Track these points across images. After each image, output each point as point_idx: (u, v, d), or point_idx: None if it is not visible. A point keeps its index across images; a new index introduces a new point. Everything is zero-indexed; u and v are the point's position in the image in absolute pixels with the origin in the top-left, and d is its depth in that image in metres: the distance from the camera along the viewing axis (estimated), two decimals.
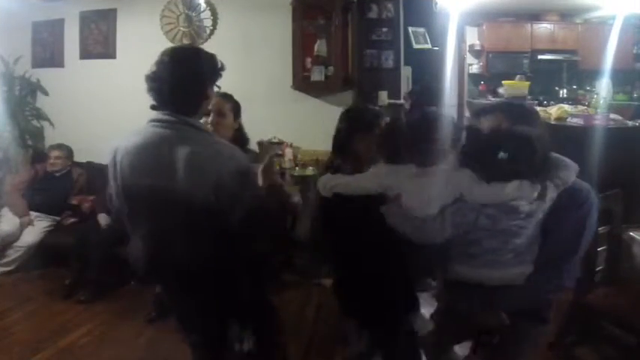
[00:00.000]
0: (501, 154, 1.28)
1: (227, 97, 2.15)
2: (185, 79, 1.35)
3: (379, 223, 1.45)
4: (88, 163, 3.81)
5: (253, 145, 2.26)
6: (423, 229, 1.44)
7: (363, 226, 1.50)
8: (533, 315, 1.53)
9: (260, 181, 1.52)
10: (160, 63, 1.36)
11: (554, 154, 1.41)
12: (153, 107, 1.38)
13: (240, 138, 2.17)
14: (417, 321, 1.74)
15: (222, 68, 1.45)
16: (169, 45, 4.08)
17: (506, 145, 1.29)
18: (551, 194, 1.35)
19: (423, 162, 1.46)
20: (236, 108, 2.16)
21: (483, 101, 5.69)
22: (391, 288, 1.58)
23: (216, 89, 1.47)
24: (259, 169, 1.55)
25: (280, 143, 3.93)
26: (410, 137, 1.48)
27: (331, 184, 1.57)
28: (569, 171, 1.38)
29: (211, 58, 1.43)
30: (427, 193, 1.44)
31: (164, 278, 1.55)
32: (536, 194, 1.32)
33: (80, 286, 3.08)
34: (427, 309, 1.79)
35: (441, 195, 1.43)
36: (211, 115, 2.09)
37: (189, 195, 1.30)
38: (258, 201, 1.39)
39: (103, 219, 3.33)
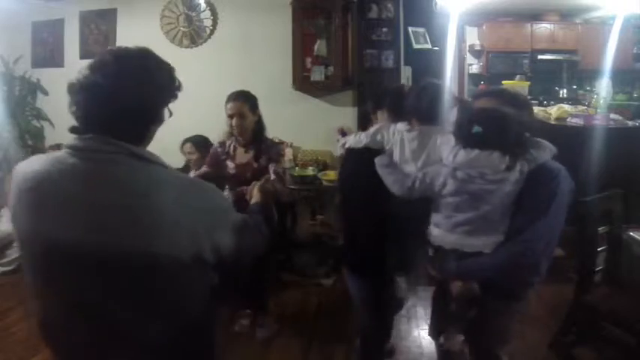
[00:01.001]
0: (476, 128, 1.48)
1: (244, 98, 2.29)
2: (140, 91, 0.94)
3: (373, 173, 1.67)
4: None
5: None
6: (402, 183, 1.63)
7: (362, 173, 1.74)
8: (508, 292, 1.60)
9: (255, 198, 1.44)
10: (98, 68, 0.94)
11: (538, 139, 1.54)
12: (74, 130, 0.95)
13: (259, 129, 2.38)
14: (399, 286, 1.91)
15: (180, 87, 1.04)
16: (169, 45, 4.13)
17: (482, 120, 1.48)
18: (522, 168, 1.47)
19: (418, 119, 1.69)
20: (253, 105, 2.32)
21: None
22: (381, 240, 1.73)
23: (167, 115, 1.04)
24: (258, 186, 1.49)
25: (280, 143, 3.94)
26: (410, 98, 1.74)
27: (342, 141, 1.90)
28: (544, 151, 1.52)
29: (169, 69, 1.03)
30: (412, 149, 1.67)
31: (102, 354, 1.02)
32: (504, 166, 1.46)
33: None
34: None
35: (424, 153, 1.66)
36: (234, 118, 2.27)
37: (147, 253, 0.90)
38: (241, 231, 1.08)
39: None
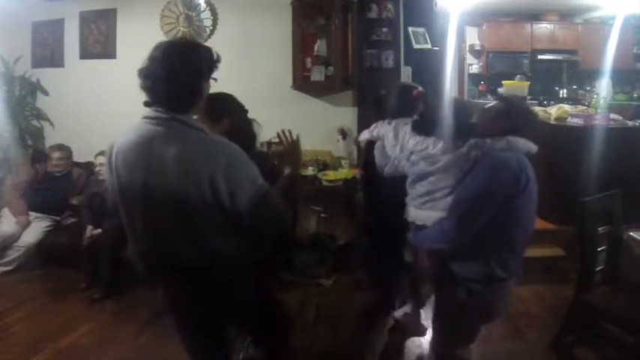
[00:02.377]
0: (416, 117, 2.03)
1: (207, 106, 2.02)
2: (178, 76, 1.29)
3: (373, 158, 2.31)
4: (88, 163, 3.81)
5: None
6: (380, 164, 2.27)
7: (369, 160, 2.37)
8: (481, 274, 1.66)
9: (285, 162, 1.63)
10: (152, 58, 1.29)
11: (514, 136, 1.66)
12: (146, 104, 1.33)
13: (237, 137, 1.71)
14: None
15: (218, 60, 1.38)
16: None
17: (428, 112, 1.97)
18: (468, 152, 1.68)
19: (391, 115, 2.30)
20: (212, 113, 1.77)
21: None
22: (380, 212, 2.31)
23: (212, 82, 1.39)
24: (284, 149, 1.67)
25: (280, 143, 3.94)
26: (387, 99, 2.36)
27: (360, 137, 2.55)
28: (507, 144, 1.62)
29: (206, 52, 1.36)
30: (390, 137, 2.23)
31: (164, 278, 1.49)
32: (437, 150, 1.80)
33: (93, 285, 3.12)
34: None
35: (398, 140, 2.17)
36: None
37: (182, 193, 1.27)
38: (261, 192, 1.32)
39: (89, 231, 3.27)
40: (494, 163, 1.59)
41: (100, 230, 3.24)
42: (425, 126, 1.89)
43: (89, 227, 3.28)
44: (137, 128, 1.33)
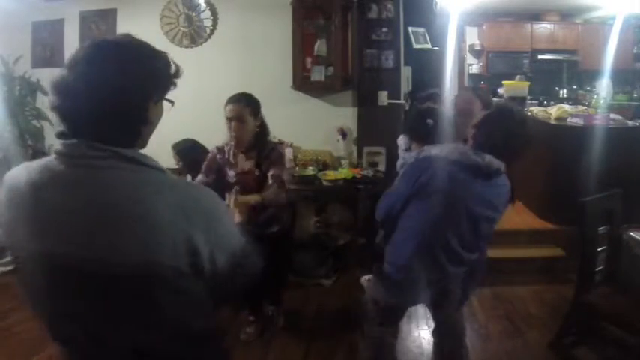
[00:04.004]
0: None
1: (245, 101, 2.12)
2: (118, 93, 0.83)
3: None
4: None
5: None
6: None
7: None
8: None
9: (236, 219, 1.51)
10: (71, 66, 0.84)
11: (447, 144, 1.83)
12: (61, 135, 0.86)
13: (261, 134, 2.22)
14: None
15: (177, 74, 0.92)
16: (169, 45, 4.14)
17: None
18: (416, 155, 1.82)
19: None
20: (255, 109, 2.16)
21: None
22: None
23: (168, 105, 0.94)
24: (234, 200, 1.58)
25: (280, 143, 3.94)
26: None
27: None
28: (436, 149, 1.76)
29: (161, 59, 0.90)
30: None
31: None
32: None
33: None
34: None
35: None
36: (233, 122, 2.11)
37: (139, 264, 0.83)
38: (241, 248, 1.00)
39: None
40: (424, 166, 1.77)
41: None
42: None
43: None
44: (46, 168, 0.86)
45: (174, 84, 0.93)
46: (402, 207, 1.74)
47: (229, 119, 2.12)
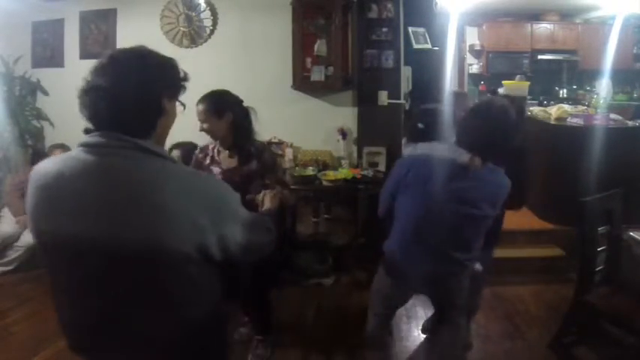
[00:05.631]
0: None
1: (208, 102, 2.08)
2: (137, 88, 0.97)
3: None
4: None
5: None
6: None
7: None
8: None
9: (267, 204, 1.58)
10: (98, 71, 0.99)
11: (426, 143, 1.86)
12: (87, 131, 1.01)
13: (238, 132, 2.15)
14: None
15: (186, 78, 1.09)
16: (169, 45, 4.13)
17: None
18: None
19: None
20: (218, 108, 2.08)
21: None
22: None
23: (180, 109, 1.10)
24: (270, 194, 1.61)
25: (280, 143, 3.94)
26: None
27: None
28: (416, 149, 1.81)
29: (172, 65, 1.06)
30: None
31: (110, 349, 1.05)
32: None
33: None
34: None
35: None
36: (201, 122, 2.10)
37: (152, 246, 0.92)
38: (252, 233, 1.10)
39: None
40: (405, 165, 1.84)
41: None
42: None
43: None
44: (72, 158, 0.97)
45: (184, 87, 1.09)
46: (392, 201, 1.82)
47: (199, 120, 2.11)
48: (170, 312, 1.01)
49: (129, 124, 0.97)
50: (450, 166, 1.66)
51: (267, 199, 1.60)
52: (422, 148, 1.78)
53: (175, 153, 3.03)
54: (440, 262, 1.75)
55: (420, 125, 2.03)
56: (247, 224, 1.08)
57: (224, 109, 2.10)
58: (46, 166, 1.00)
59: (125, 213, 0.92)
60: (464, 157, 1.65)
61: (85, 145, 0.98)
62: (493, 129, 1.64)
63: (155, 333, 1.01)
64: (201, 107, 2.08)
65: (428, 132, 1.98)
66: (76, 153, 0.98)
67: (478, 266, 1.94)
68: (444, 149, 1.72)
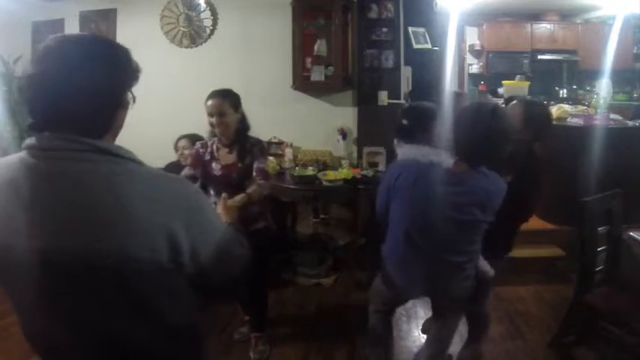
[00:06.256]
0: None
1: (225, 95, 2.18)
2: (93, 79, 0.83)
3: None
4: None
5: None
6: None
7: None
8: None
9: (223, 218, 1.42)
10: (42, 57, 0.83)
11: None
12: (32, 127, 0.86)
13: (242, 128, 2.26)
14: None
15: (138, 69, 0.95)
16: (169, 45, 4.13)
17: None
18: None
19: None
20: (234, 103, 2.20)
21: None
22: None
23: (130, 100, 0.95)
24: (223, 205, 1.51)
25: (280, 143, 3.94)
26: None
27: None
28: (405, 155, 1.82)
29: (126, 53, 0.92)
30: None
31: None
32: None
33: None
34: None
35: None
36: (214, 117, 2.15)
37: (119, 258, 0.82)
38: (225, 241, 0.99)
39: None
40: (390, 172, 1.85)
41: None
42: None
43: None
44: (19, 163, 0.85)
45: (137, 78, 0.94)
46: (386, 207, 1.82)
47: (210, 114, 2.16)
48: (142, 321, 0.91)
49: (82, 121, 0.84)
50: (438, 172, 1.66)
51: (221, 211, 1.47)
52: (411, 153, 1.77)
53: (183, 143, 3.03)
54: (434, 267, 1.74)
55: (404, 122, 2.01)
56: (220, 233, 0.98)
57: (239, 104, 2.23)
58: None
59: (82, 224, 0.81)
60: (449, 161, 1.65)
61: (33, 148, 0.84)
62: (478, 134, 1.59)
63: (127, 342, 0.92)
64: (218, 100, 2.15)
65: (412, 129, 1.94)
66: (25, 158, 0.84)
67: (489, 269, 1.89)
68: (433, 153, 1.71)
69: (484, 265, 1.87)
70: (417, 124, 1.95)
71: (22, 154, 0.85)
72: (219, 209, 1.49)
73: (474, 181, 1.65)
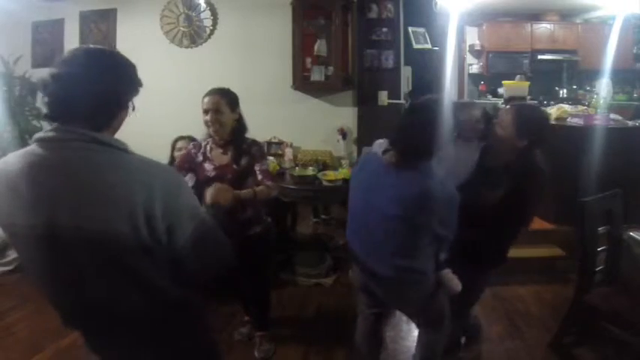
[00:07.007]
0: None
1: (222, 93, 2.15)
2: (103, 82, 1.04)
3: None
4: None
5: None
6: None
7: None
8: None
9: (208, 199, 1.60)
10: (69, 60, 1.04)
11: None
12: (46, 117, 1.05)
13: (238, 129, 2.21)
14: None
15: (140, 84, 1.13)
16: (169, 45, 4.13)
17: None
18: None
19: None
20: (232, 102, 2.16)
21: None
22: None
23: (131, 108, 1.14)
24: (214, 188, 1.57)
25: (280, 143, 3.94)
26: None
27: None
28: (379, 146, 1.75)
29: (132, 66, 1.12)
30: None
31: (88, 326, 1.21)
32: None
33: None
34: None
35: None
36: (209, 113, 2.12)
37: (109, 231, 0.99)
38: (202, 228, 1.11)
39: None
40: (361, 161, 1.90)
41: None
42: None
43: None
44: (29, 154, 1.02)
45: (138, 91, 1.13)
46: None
47: (206, 110, 2.12)
48: (137, 290, 1.07)
49: (87, 116, 1.02)
50: (376, 164, 1.68)
51: (208, 193, 1.60)
52: (374, 145, 1.79)
53: (180, 144, 3.03)
54: (380, 267, 1.68)
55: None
56: (196, 221, 1.10)
57: (236, 104, 2.19)
58: (7, 162, 1.05)
59: (78, 204, 0.98)
60: (366, 149, 1.70)
61: (41, 141, 1.03)
62: (399, 124, 1.64)
63: (125, 312, 1.09)
64: (215, 97, 2.11)
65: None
66: (33, 149, 1.02)
67: (455, 284, 1.75)
68: (380, 145, 1.72)
69: (450, 279, 1.75)
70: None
71: (32, 146, 1.03)
72: (211, 190, 1.55)
73: (402, 175, 1.58)
